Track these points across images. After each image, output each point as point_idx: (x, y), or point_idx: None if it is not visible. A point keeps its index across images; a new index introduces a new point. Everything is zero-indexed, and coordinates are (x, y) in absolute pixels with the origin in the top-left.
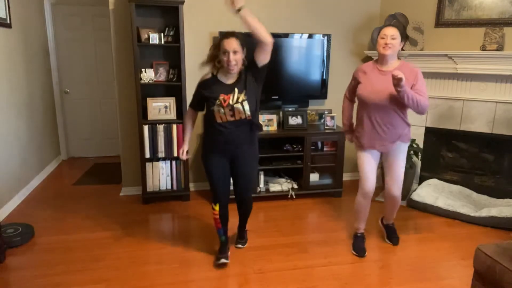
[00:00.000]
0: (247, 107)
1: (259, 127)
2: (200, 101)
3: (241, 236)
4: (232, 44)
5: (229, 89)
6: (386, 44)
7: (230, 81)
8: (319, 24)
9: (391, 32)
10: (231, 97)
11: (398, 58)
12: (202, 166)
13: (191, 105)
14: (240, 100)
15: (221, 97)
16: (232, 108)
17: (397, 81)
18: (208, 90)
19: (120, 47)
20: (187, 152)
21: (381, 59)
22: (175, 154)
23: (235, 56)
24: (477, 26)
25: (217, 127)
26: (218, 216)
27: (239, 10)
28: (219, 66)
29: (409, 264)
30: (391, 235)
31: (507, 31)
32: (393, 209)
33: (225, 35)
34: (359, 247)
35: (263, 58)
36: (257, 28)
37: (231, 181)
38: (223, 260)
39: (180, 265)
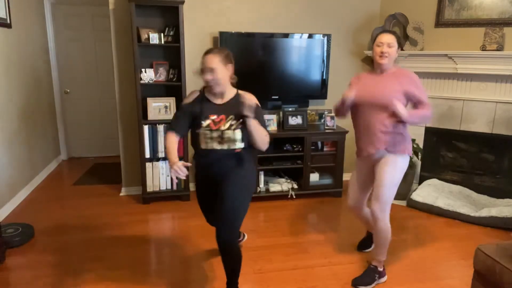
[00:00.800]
0: (239, 136)
1: (249, 161)
2: (185, 122)
3: None
4: (212, 60)
5: (220, 110)
6: (382, 52)
7: (219, 100)
8: (319, 24)
9: (388, 40)
10: (224, 122)
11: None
12: None
13: (171, 127)
14: (233, 127)
15: (211, 118)
16: (221, 135)
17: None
18: (196, 108)
19: (120, 47)
20: (186, 168)
21: (376, 68)
22: None
23: (214, 75)
24: (477, 26)
25: (201, 153)
26: None
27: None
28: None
29: (409, 264)
30: (359, 279)
31: (507, 31)
32: (377, 238)
33: (207, 50)
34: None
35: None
36: (258, 138)
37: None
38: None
39: (180, 265)
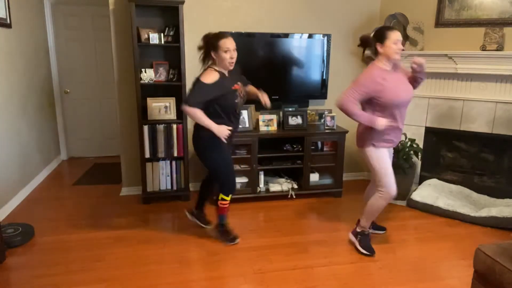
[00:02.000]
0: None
1: None
2: (207, 100)
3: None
4: (233, 43)
5: (233, 80)
6: (400, 50)
7: (227, 74)
8: (319, 24)
9: (400, 37)
10: (240, 87)
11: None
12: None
13: (198, 105)
14: (243, 90)
15: (238, 89)
16: (243, 98)
17: (421, 66)
18: (226, 88)
19: (120, 47)
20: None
21: (387, 62)
22: (175, 154)
23: (235, 53)
24: (477, 26)
25: (234, 117)
26: (228, 205)
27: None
28: (211, 63)
29: (409, 264)
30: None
31: (507, 31)
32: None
33: (221, 35)
34: (369, 246)
35: None
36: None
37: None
38: (238, 240)
39: (180, 265)
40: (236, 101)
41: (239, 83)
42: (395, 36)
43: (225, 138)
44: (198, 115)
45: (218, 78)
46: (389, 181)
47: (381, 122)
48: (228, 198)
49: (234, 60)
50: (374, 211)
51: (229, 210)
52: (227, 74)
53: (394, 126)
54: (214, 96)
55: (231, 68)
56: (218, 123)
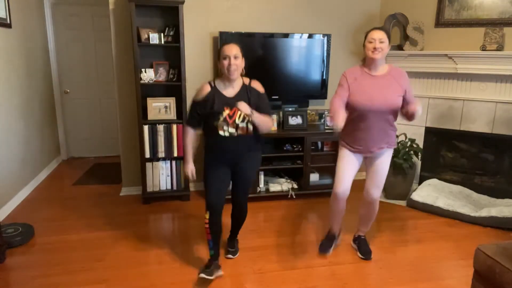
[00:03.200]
0: (251, 126)
1: (260, 138)
2: (199, 118)
3: (232, 245)
4: (233, 50)
5: (232, 103)
6: (375, 48)
7: (231, 93)
8: (319, 24)
9: (379, 36)
10: (238, 115)
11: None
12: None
13: (189, 123)
14: (246, 119)
15: (226, 112)
16: (237, 126)
17: (412, 116)
18: (210, 105)
19: (120, 47)
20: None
21: (369, 64)
22: (175, 154)
23: (236, 61)
24: (477, 26)
25: (219, 139)
26: (208, 225)
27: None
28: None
29: (409, 264)
30: (365, 249)
31: (507, 31)
32: (370, 217)
33: (225, 43)
34: (323, 244)
35: None
36: (262, 127)
37: (230, 186)
38: (202, 275)
39: (180, 265)
40: (214, 123)
41: (241, 105)
42: (370, 34)
43: (216, 156)
44: (185, 137)
45: (207, 93)
46: (335, 180)
47: (336, 121)
48: (207, 216)
49: (232, 68)
50: (329, 209)
51: (208, 234)
52: (228, 91)
53: (356, 134)
54: (199, 113)
55: (232, 77)
56: (211, 142)
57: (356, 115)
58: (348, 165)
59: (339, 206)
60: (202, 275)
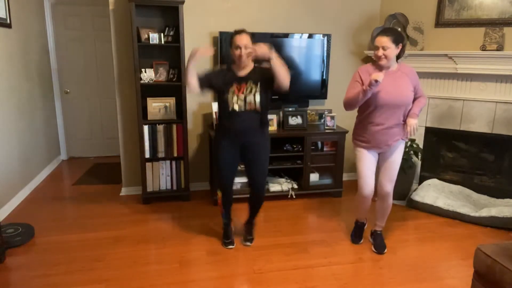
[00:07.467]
0: (258, 99)
1: (267, 123)
2: (207, 80)
3: (250, 232)
4: (243, 40)
5: (242, 80)
6: (379, 56)
7: (243, 73)
8: (319, 24)
9: (383, 43)
10: (245, 88)
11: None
12: (201, 162)
13: (199, 79)
14: (253, 91)
15: (235, 85)
16: (244, 99)
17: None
18: (222, 79)
19: (120, 47)
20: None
21: (379, 65)
22: (175, 154)
23: (246, 50)
24: (477, 26)
25: (229, 114)
26: (221, 202)
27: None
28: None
29: (409, 264)
30: (379, 243)
31: (507, 31)
32: (385, 210)
33: (236, 31)
34: (353, 235)
35: (276, 87)
36: (281, 75)
37: (241, 175)
38: (230, 246)
39: (180, 265)
40: (225, 96)
41: (248, 82)
42: (376, 40)
43: (226, 138)
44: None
45: (221, 68)
46: (361, 184)
47: (377, 73)
48: (219, 194)
49: (244, 58)
50: (356, 205)
51: (221, 208)
52: (240, 72)
53: (372, 129)
54: (207, 81)
55: (241, 64)
56: (223, 118)
57: (371, 111)
58: (368, 165)
59: (367, 204)
60: (230, 246)
